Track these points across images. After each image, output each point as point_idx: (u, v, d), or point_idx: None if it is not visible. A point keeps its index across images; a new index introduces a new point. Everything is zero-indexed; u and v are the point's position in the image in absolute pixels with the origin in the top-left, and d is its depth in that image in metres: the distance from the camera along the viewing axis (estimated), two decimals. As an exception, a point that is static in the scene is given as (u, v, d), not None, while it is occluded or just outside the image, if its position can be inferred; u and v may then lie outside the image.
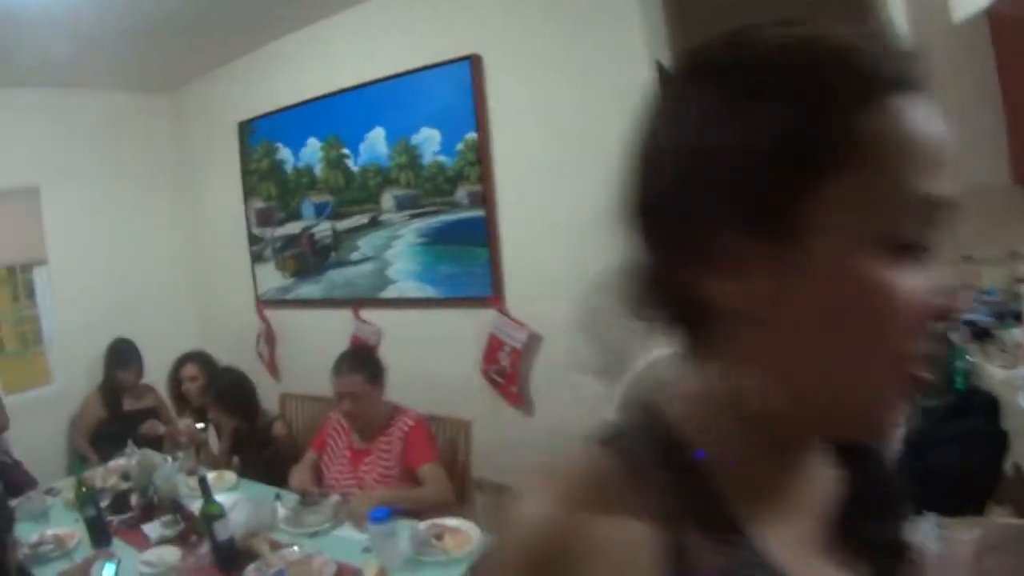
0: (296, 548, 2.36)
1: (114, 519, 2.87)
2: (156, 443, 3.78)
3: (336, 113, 3.87)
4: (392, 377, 2.94)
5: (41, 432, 4.31)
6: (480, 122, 3.31)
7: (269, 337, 4.45)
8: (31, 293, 4.70)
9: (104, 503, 2.95)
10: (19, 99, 4.34)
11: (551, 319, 3.23)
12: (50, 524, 3.00)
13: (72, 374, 4.56)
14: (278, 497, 2.77)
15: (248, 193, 4.45)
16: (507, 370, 3.35)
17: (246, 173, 4.45)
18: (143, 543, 2.65)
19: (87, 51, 3.93)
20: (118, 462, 3.58)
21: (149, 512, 2.85)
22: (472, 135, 3.33)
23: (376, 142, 3.70)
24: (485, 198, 3.33)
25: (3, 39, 3.58)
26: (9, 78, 4.15)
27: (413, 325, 3.71)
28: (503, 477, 3.41)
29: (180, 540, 2.61)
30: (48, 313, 4.60)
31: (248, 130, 4.40)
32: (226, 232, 4.68)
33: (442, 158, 3.45)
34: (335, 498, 2.65)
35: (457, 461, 3.06)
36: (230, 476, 3.20)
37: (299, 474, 2.99)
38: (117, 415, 4.20)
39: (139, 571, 2.42)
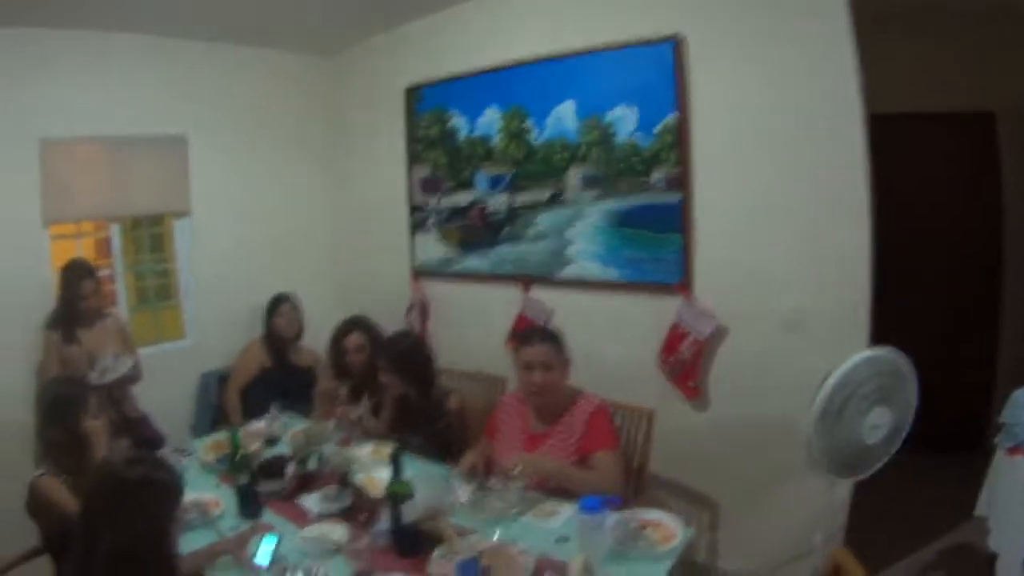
0: (497, 534, 2.28)
1: (264, 489, 2.80)
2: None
3: (520, 84, 3.90)
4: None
5: (168, 388, 4.43)
6: (681, 105, 3.30)
7: (423, 309, 4.53)
8: (155, 246, 4.92)
9: (254, 465, 2.89)
10: (178, 49, 4.52)
11: (738, 311, 3.26)
12: (186, 487, 3.03)
13: (206, 330, 4.71)
14: (451, 476, 2.73)
15: (413, 160, 4.54)
16: (687, 362, 3.36)
17: (411, 140, 4.53)
18: (299, 517, 2.58)
19: (251, 7, 4.08)
20: (258, 425, 3.60)
21: (305, 484, 2.80)
22: (672, 117, 3.33)
23: (564, 116, 3.72)
24: (682, 183, 3.33)
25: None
26: (170, 28, 4.33)
27: (588, 308, 3.73)
28: (671, 471, 3.46)
29: (346, 516, 2.54)
30: (186, 267, 4.75)
31: (416, 96, 4.48)
32: (383, 198, 4.79)
33: (638, 138, 3.46)
34: (520, 484, 2.58)
35: (635, 452, 3.06)
36: (387, 450, 3.09)
37: (472, 459, 2.95)
38: (282, 366, 4.33)
39: (300, 548, 2.34)
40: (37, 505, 2.58)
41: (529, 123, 3.89)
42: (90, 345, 3.79)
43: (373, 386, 3.59)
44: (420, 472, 2.79)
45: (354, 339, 3.74)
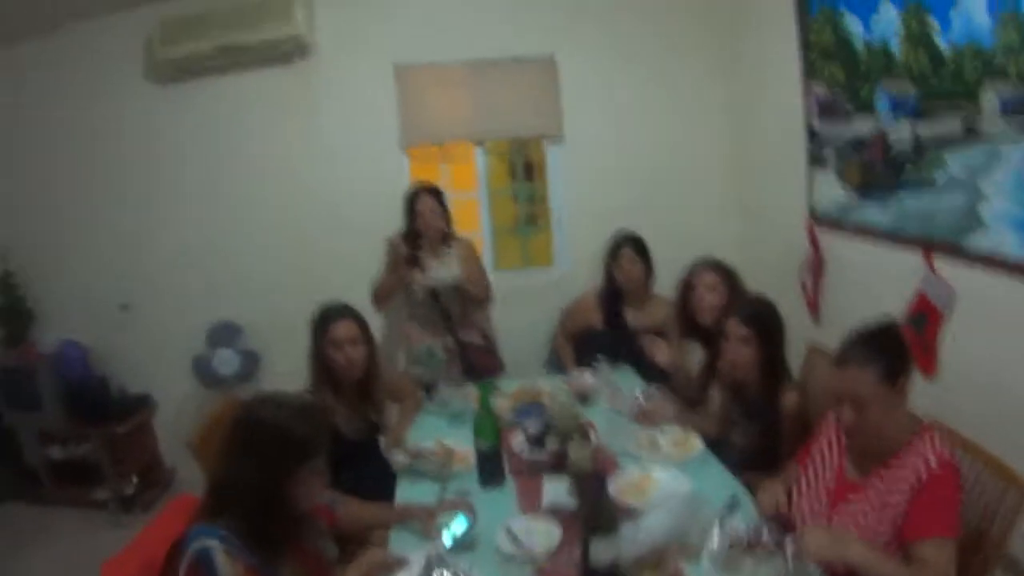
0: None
1: (527, 454, 2.67)
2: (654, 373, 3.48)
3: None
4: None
5: (532, 316, 4.54)
6: None
7: (815, 266, 3.72)
8: (527, 172, 5.06)
9: (533, 428, 2.74)
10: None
11: None
12: (462, 429, 2.95)
13: (575, 260, 4.63)
14: (733, 504, 2.12)
15: (808, 75, 3.65)
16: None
17: (806, 49, 3.63)
18: (531, 500, 2.43)
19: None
20: (582, 377, 3.44)
21: (562, 463, 2.51)
22: None
23: (973, 10, 2.57)
24: None
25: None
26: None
27: (995, 299, 2.62)
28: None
29: (572, 520, 2.23)
30: (558, 193, 4.70)
31: (808, -9, 3.54)
32: (778, 124, 4.00)
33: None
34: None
35: (986, 530, 2.09)
36: (695, 445, 2.72)
37: (776, 494, 2.34)
38: (614, 328, 3.97)
39: (497, 543, 2.13)
40: None
41: (932, 20, 2.80)
42: (433, 267, 3.97)
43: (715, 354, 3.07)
44: (702, 488, 2.35)
45: (707, 277, 3.28)
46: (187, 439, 2.83)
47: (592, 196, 4.68)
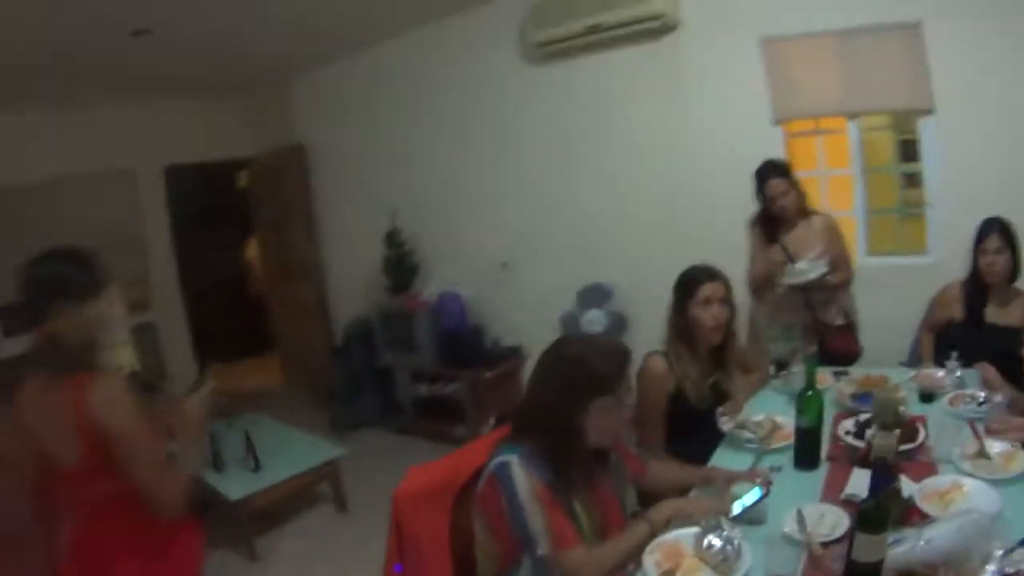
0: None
1: (848, 441, 2.61)
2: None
3: None
4: None
5: (899, 306, 4.15)
6: None
7: None
8: (905, 149, 4.62)
9: (863, 417, 2.69)
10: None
11: None
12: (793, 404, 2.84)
13: (952, 247, 4.03)
14: None
15: None
16: None
17: None
18: (836, 489, 2.33)
19: None
20: (936, 373, 3.22)
21: (867, 457, 2.37)
22: None
23: None
24: None
25: None
26: None
27: None
28: None
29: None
30: (935, 173, 4.29)
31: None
32: None
33: None
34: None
35: None
36: (1021, 464, 2.36)
37: None
38: (973, 323, 3.60)
39: (785, 525, 2.09)
40: (639, 377, 2.92)
41: None
42: (793, 246, 3.90)
43: None
44: (1003, 511, 2.05)
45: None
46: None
47: (971, 176, 4.15)
